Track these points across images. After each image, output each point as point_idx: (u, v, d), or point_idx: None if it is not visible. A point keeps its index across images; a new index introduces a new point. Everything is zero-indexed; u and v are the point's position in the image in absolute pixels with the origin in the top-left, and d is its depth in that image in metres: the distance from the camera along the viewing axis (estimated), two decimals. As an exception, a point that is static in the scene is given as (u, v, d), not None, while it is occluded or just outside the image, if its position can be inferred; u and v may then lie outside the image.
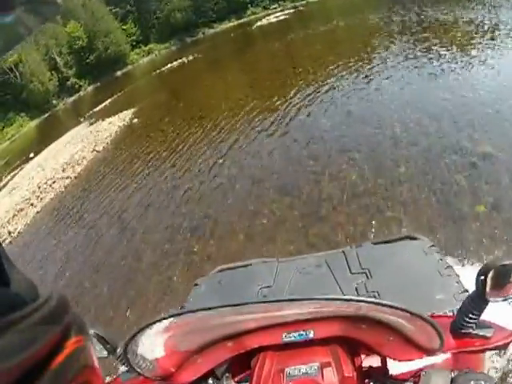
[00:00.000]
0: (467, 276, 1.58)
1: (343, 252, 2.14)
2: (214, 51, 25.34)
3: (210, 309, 0.90)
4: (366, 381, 1.00)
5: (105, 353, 1.06)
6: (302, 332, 0.97)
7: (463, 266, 3.09)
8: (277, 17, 30.08)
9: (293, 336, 0.98)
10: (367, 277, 1.88)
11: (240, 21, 36.61)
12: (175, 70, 23.43)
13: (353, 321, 0.93)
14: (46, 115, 35.21)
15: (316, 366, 0.93)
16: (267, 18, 31.34)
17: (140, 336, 0.91)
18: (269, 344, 1.01)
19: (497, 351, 2.13)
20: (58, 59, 38.13)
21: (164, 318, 0.91)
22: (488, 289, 0.87)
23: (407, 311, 0.81)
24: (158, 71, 25.59)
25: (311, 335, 0.96)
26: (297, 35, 18.05)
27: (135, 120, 13.39)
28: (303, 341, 0.98)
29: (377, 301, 0.82)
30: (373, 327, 0.92)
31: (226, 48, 25.53)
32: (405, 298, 1.52)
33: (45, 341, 0.26)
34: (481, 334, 0.95)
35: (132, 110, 15.23)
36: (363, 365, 1.04)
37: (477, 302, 0.92)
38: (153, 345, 0.96)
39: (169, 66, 25.48)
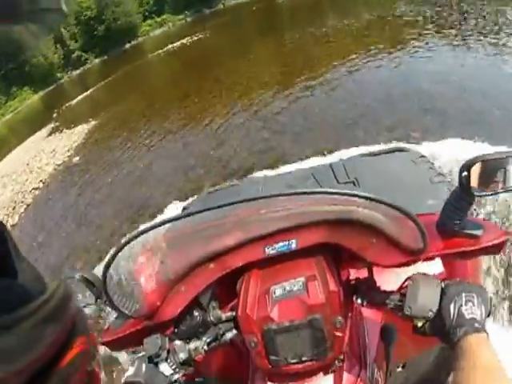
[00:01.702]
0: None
1: (330, 165, 2.08)
2: (234, 28, 20.97)
3: (177, 219, 0.87)
4: (354, 296, 0.96)
5: (93, 298, 0.97)
6: (284, 243, 0.93)
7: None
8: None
9: (275, 248, 0.94)
10: (355, 185, 1.81)
11: (266, -9, 31.63)
12: (188, 49, 19.37)
13: (335, 225, 0.90)
14: (51, 88, 32.75)
15: (301, 282, 0.90)
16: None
17: (117, 268, 0.90)
18: (252, 261, 0.96)
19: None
20: (64, 31, 34.51)
21: (134, 237, 0.85)
22: (472, 184, 0.80)
23: (384, 202, 0.78)
24: (167, 48, 21.70)
25: (294, 245, 0.93)
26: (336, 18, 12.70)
27: (76, 159, 9.59)
28: (287, 254, 0.95)
29: (353, 192, 0.79)
30: (355, 230, 0.89)
31: (249, 25, 21.11)
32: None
33: (52, 338, 0.25)
34: (469, 232, 0.88)
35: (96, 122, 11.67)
36: (350, 278, 0.99)
37: (462, 196, 0.84)
38: (132, 278, 0.94)
39: (182, 41, 21.52)
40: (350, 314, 0.97)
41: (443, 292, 0.80)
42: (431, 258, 0.90)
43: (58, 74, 34.30)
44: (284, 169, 4.33)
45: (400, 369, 1.37)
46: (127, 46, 33.66)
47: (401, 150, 2.15)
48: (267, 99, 7.73)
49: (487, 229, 0.89)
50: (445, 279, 0.85)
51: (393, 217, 0.83)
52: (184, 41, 21.35)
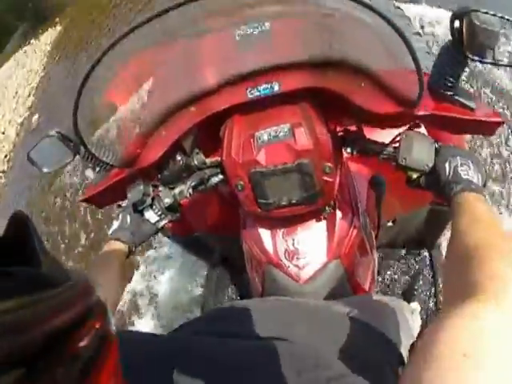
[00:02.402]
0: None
1: None
2: None
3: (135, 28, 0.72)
4: (343, 146, 0.93)
5: (70, 154, 0.89)
6: (266, 85, 0.86)
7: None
8: None
9: (257, 90, 0.86)
10: None
11: None
12: None
13: (318, 69, 0.82)
14: None
15: (287, 128, 0.85)
16: None
17: (91, 114, 0.88)
18: (234, 105, 0.89)
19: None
20: None
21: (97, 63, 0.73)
22: (465, 42, 0.69)
23: (380, 14, 0.65)
24: None
25: (276, 88, 0.86)
26: None
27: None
28: (271, 101, 0.88)
29: None
30: (341, 73, 0.81)
31: None
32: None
33: (66, 321, 0.26)
34: (463, 101, 0.79)
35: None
36: (338, 130, 0.94)
37: (454, 52, 0.74)
38: (109, 125, 0.90)
39: None
40: (339, 163, 0.93)
41: (437, 151, 0.78)
42: (419, 122, 0.84)
43: None
44: None
45: (390, 223, 1.35)
46: None
47: None
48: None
49: (481, 106, 0.82)
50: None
51: (386, 59, 0.78)
52: None
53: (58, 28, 8.44)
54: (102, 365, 0.27)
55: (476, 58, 0.71)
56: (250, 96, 0.86)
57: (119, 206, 0.99)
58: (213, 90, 0.85)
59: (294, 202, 0.86)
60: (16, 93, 7.63)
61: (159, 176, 0.94)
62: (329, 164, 0.83)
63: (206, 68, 0.87)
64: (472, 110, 0.79)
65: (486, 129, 0.84)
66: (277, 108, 0.89)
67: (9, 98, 7.75)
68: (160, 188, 0.94)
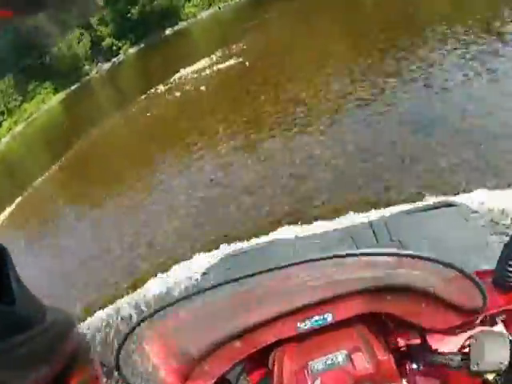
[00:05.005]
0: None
1: (370, 224, 1.89)
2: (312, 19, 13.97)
3: (197, 293, 0.76)
4: (408, 361, 0.88)
5: (103, 376, 0.86)
6: (318, 317, 0.82)
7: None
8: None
9: (309, 323, 0.83)
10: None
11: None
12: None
13: (374, 294, 0.80)
14: (74, 87, 26.33)
15: (344, 354, 0.83)
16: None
17: (131, 349, 0.81)
18: (283, 337, 0.85)
19: None
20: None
21: (153, 313, 0.78)
22: None
23: (439, 261, 0.69)
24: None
25: (330, 319, 0.82)
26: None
27: None
28: (324, 327, 0.83)
29: (404, 252, 0.70)
30: (399, 296, 0.79)
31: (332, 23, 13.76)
32: None
33: (49, 368, 0.23)
34: None
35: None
36: (400, 344, 0.89)
37: None
38: (150, 353, 0.84)
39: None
40: (404, 377, 0.86)
41: None
42: (491, 317, 0.79)
43: (86, 67, 27.76)
44: (315, 227, 3.42)
45: None
46: (168, 31, 26.43)
47: (450, 204, 1.92)
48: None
49: None
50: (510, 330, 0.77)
51: (443, 277, 0.75)
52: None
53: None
54: None
55: None
56: (300, 330, 0.83)
57: None
58: (260, 324, 0.82)
59: None
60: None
61: None
62: None
63: (253, 304, 0.85)
64: None
65: None
66: (330, 334, 0.85)
67: None
68: None
